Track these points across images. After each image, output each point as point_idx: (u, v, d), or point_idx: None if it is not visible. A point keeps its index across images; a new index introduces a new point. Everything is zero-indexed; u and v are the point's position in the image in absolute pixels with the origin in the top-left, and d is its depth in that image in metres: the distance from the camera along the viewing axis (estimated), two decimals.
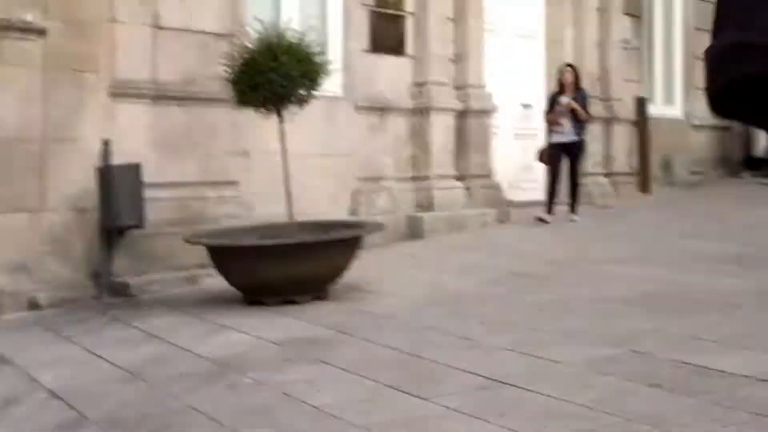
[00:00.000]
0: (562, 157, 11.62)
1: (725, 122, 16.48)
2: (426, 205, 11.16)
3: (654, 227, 11.09)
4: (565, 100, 11.59)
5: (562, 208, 11.58)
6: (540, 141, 12.52)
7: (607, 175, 13.86)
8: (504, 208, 11.95)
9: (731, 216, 11.38)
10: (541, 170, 12.58)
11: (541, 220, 11.32)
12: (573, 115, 11.58)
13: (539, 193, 12.96)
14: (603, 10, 13.98)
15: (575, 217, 11.61)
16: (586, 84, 13.32)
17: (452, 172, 11.61)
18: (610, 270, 8.04)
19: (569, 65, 12.19)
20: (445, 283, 7.83)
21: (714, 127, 16.15)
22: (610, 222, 11.68)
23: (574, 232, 10.85)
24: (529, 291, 7.26)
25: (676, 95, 16.07)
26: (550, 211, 11.41)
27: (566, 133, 11.59)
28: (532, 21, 13.47)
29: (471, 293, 7.33)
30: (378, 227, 8.00)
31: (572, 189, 11.74)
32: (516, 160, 12.83)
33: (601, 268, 8.21)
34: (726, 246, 9.03)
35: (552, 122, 11.65)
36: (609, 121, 13.90)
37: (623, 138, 14.14)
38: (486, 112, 11.99)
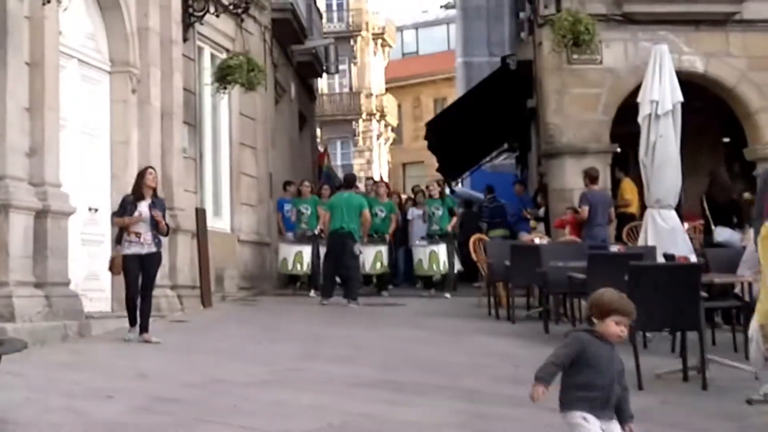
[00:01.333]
0: (139, 268, 10.64)
1: (266, 238, 16.54)
2: (6, 315, 9.63)
3: (254, 344, 10.58)
4: (144, 208, 10.61)
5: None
6: (107, 248, 11.54)
7: (173, 287, 13.11)
8: (84, 321, 10.76)
9: (329, 335, 11.25)
10: (109, 280, 11.65)
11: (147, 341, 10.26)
12: (154, 224, 10.68)
13: (106, 304, 11.92)
14: (166, 115, 13.39)
15: (130, 336, 10.51)
16: None
17: (32, 278, 10.21)
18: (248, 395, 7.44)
19: (152, 168, 11.27)
20: (89, 410, 6.67)
21: (257, 243, 16.15)
22: (201, 338, 10.96)
23: (182, 348, 9.98)
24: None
25: (224, 208, 15.83)
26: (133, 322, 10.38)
27: (145, 244, 10.63)
28: (99, 118, 12.50)
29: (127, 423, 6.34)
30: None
31: (145, 305, 10.74)
32: (83, 267, 11.66)
33: (246, 392, 7.56)
34: (363, 369, 8.76)
35: (127, 230, 10.60)
36: (174, 232, 13.18)
37: (186, 249, 13.52)
38: (65, 214, 10.76)
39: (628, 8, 15.82)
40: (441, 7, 60.33)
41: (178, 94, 13.63)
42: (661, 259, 10.59)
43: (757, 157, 15.78)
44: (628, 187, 16.09)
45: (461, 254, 16.45)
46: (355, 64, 39.96)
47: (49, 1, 10.22)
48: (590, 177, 14.38)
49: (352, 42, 39.79)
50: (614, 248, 10.90)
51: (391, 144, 47.47)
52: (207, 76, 15.54)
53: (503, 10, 31.74)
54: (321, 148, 27.69)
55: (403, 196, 21.42)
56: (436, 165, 26.74)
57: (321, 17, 27.27)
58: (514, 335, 11.20)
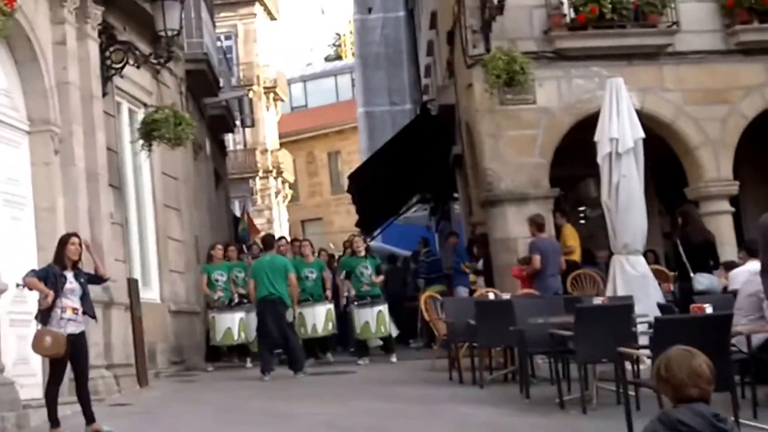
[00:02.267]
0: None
1: (196, 307, 15.48)
2: None
3: (216, 428, 9.55)
4: (73, 279, 9.41)
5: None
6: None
7: (108, 366, 11.95)
8: (21, 411, 9.62)
9: (294, 413, 10.25)
10: (39, 363, 10.46)
11: None
12: (83, 297, 9.47)
13: (38, 391, 10.69)
14: (91, 178, 12.29)
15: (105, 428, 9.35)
16: (82, 261, 11.56)
17: None
18: None
19: (76, 235, 10.06)
20: None
21: (187, 313, 15.09)
22: (153, 424, 9.88)
23: None
24: None
25: (152, 277, 14.71)
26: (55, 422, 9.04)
27: (80, 322, 9.32)
28: (20, 183, 11.37)
29: None
30: None
31: (85, 392, 9.52)
32: (12, 351, 10.44)
33: None
34: None
35: (56, 305, 9.31)
36: (108, 306, 12.07)
37: (121, 324, 12.39)
38: None
39: (560, 44, 15.36)
40: (325, 59, 60.33)
41: (102, 153, 12.58)
42: (644, 311, 10.04)
43: (700, 196, 15.45)
44: (570, 233, 15.53)
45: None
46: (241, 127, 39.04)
47: None
48: (537, 225, 13.85)
49: (237, 99, 38.89)
50: (597, 300, 10.24)
51: (289, 201, 46.46)
52: (126, 133, 14.49)
53: (401, 57, 31.46)
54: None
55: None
56: (343, 220, 26.18)
57: (232, 67, 26.31)
58: (489, 402, 10.31)
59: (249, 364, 15.10)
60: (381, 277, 15.26)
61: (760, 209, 16.97)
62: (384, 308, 14.92)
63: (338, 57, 58.93)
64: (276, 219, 42.68)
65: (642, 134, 11.70)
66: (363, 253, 15.28)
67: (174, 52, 14.57)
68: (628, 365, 9.73)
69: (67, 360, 9.08)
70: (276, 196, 43.69)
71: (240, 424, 9.58)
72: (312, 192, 49.46)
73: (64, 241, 9.48)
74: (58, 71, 11.79)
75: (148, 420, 10.14)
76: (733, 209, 15.17)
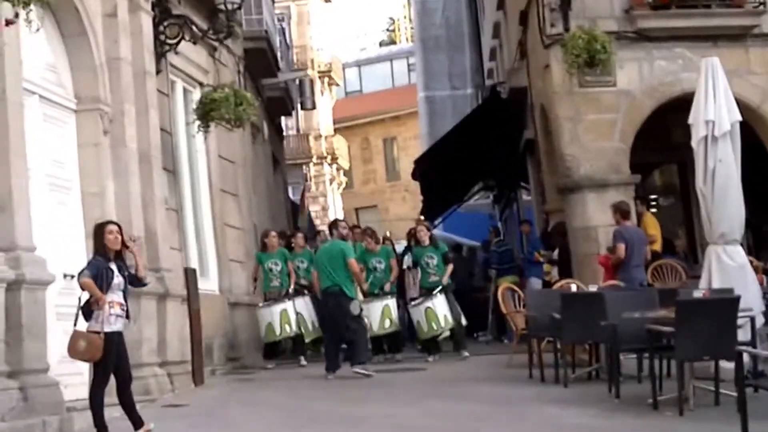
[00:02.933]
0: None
1: (258, 299, 14.63)
2: None
3: None
4: (116, 273, 8.38)
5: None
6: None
7: (162, 364, 11.15)
8: (65, 414, 8.83)
9: (363, 414, 9.39)
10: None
11: None
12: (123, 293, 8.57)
13: (84, 390, 9.85)
14: (143, 160, 11.47)
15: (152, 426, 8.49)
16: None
17: (3, 367, 8.26)
18: None
19: (113, 223, 9.13)
20: None
21: (249, 305, 14.25)
22: (211, 429, 9.05)
23: None
24: None
25: (210, 266, 13.90)
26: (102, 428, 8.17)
27: (124, 318, 8.38)
28: (67, 166, 10.59)
29: None
30: None
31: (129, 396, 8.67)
32: (58, 347, 9.58)
33: None
34: None
35: (104, 300, 8.33)
36: (162, 298, 11.25)
37: (177, 318, 11.56)
38: (42, 284, 8.88)
39: (642, 24, 14.33)
40: (380, 44, 59.42)
41: (155, 134, 11.78)
42: (745, 305, 9.03)
43: None
44: (650, 221, 14.54)
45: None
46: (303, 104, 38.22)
47: (13, 22, 8.31)
48: (622, 212, 12.83)
49: (297, 81, 38.16)
50: (699, 293, 9.24)
51: (344, 188, 45.65)
52: (181, 113, 13.68)
53: (463, 41, 30.49)
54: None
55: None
56: (398, 208, 25.26)
57: (289, 49, 25.43)
58: (577, 402, 9.42)
59: (303, 362, 14.08)
60: (449, 268, 14.16)
61: None
62: (434, 303, 13.70)
63: (392, 42, 58.01)
64: (330, 206, 41.88)
65: (739, 117, 10.64)
66: (427, 243, 14.22)
67: (233, 28, 13.70)
68: (726, 364, 8.83)
69: (113, 359, 8.22)
70: (330, 183, 42.90)
71: (305, 428, 8.71)
72: (366, 179, 48.60)
73: (100, 231, 8.52)
74: (108, 45, 11.01)
75: (204, 423, 9.32)
76: None
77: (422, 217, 21.52)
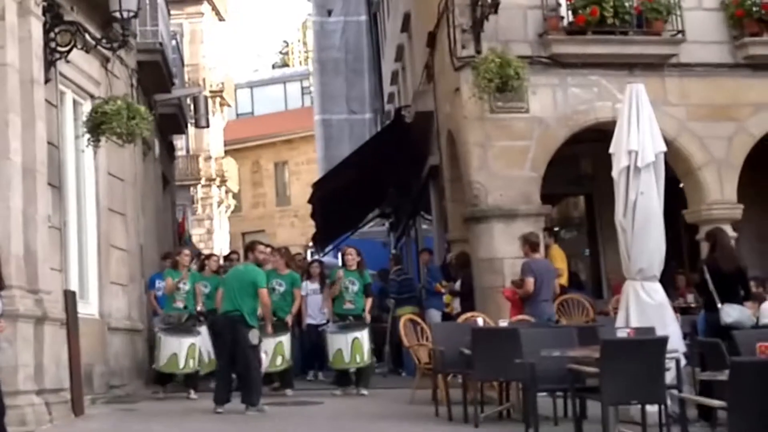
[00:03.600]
0: None
1: (138, 324, 13.78)
2: None
3: None
4: None
5: None
6: None
7: (39, 392, 10.24)
8: None
9: None
10: None
11: None
12: None
13: None
14: (28, 175, 10.56)
15: None
16: (12, 269, 9.99)
17: None
18: None
19: None
20: None
21: (129, 330, 13.35)
22: None
23: None
24: None
25: (90, 289, 12.97)
26: None
27: None
28: None
29: None
30: None
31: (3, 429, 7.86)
32: None
33: None
34: None
35: None
36: (41, 321, 10.34)
37: (55, 343, 10.65)
38: None
39: (556, 49, 14.02)
40: (273, 67, 58.72)
41: (41, 147, 10.83)
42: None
43: (701, 220, 14.19)
44: (558, 254, 14.25)
45: None
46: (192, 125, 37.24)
47: None
48: (531, 244, 12.49)
49: (189, 99, 37.16)
50: (623, 332, 8.84)
51: (232, 212, 44.58)
52: (70, 126, 12.78)
53: (363, 64, 30.05)
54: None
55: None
56: (287, 234, 24.52)
57: (183, 65, 24.51)
58: None
59: (193, 395, 13.05)
60: (369, 301, 13.46)
61: (756, 234, 15.99)
62: (361, 335, 13.00)
63: (285, 65, 57.37)
64: (216, 229, 40.82)
65: (664, 147, 10.33)
66: (354, 267, 13.42)
67: (128, 38, 12.86)
68: (650, 407, 8.46)
69: None
70: (218, 206, 41.83)
71: None
72: (256, 203, 47.65)
73: None
74: None
75: None
76: (736, 234, 13.84)
77: (311, 244, 20.93)
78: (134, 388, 13.59)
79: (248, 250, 12.14)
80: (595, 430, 8.29)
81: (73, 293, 11.61)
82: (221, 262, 15.85)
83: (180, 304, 13.37)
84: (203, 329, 13.23)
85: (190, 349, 12.97)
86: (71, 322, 11.12)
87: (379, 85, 28.45)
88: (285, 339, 13.10)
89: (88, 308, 12.75)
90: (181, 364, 12.94)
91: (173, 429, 10.20)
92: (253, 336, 11.35)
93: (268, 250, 13.26)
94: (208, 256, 15.15)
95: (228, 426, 10.42)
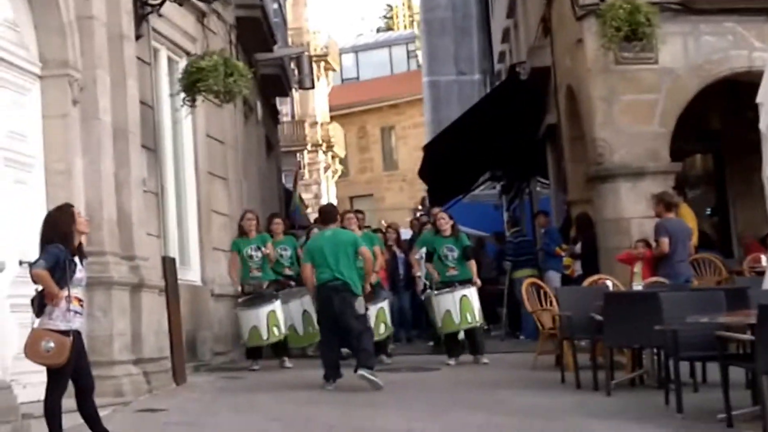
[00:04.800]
0: None
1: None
2: None
3: None
4: (80, 267, 7.00)
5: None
6: None
7: (137, 362, 9.71)
8: (20, 422, 7.50)
9: (381, 428, 7.87)
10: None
11: None
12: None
13: None
14: (119, 135, 9.98)
15: None
16: (105, 234, 9.37)
17: None
18: None
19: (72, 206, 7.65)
20: None
21: (234, 296, 12.73)
22: None
23: None
24: None
25: (191, 255, 12.41)
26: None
27: (83, 315, 7.05)
28: (29, 141, 9.13)
29: None
30: None
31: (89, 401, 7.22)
32: (13, 343, 8.20)
33: None
34: None
35: (57, 299, 6.69)
36: (137, 289, 9.82)
37: (153, 311, 10.13)
38: None
39: None
40: (376, 31, 57.96)
41: (133, 107, 10.27)
42: None
43: None
44: (687, 213, 13.17)
45: None
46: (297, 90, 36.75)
47: None
48: (665, 203, 11.48)
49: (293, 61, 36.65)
50: None
51: (339, 177, 44.17)
52: (165, 85, 12.18)
53: (471, 23, 29.07)
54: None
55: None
56: (395, 197, 23.74)
57: (285, 26, 23.83)
58: (630, 416, 7.91)
59: (288, 363, 12.26)
60: (473, 265, 12.41)
61: None
62: (470, 293, 12.02)
63: (389, 29, 56.51)
64: (324, 195, 40.40)
65: None
66: (448, 233, 12.43)
67: None
68: None
69: (72, 363, 6.78)
70: (325, 171, 41.38)
71: None
72: (363, 168, 47.13)
73: (64, 214, 7.06)
74: (79, 3, 9.52)
75: None
76: None
77: (420, 207, 20.13)
78: (239, 355, 12.99)
79: (330, 215, 11.04)
80: (740, 397, 7.52)
81: (173, 259, 11.07)
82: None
83: (257, 273, 12.42)
84: (298, 300, 12.38)
85: (270, 318, 11.98)
86: (171, 289, 10.59)
87: (489, 44, 27.45)
88: (385, 305, 12.34)
89: (189, 275, 12.26)
90: (264, 335, 11.96)
91: (281, 401, 9.48)
92: (360, 305, 10.31)
93: (350, 215, 12.67)
94: (271, 218, 13.87)
95: (341, 396, 9.64)
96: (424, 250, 12.92)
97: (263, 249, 12.36)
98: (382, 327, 12.24)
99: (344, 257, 10.31)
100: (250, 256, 12.34)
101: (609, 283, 10.71)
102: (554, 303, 10.97)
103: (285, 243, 13.14)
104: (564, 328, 10.06)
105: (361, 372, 9.95)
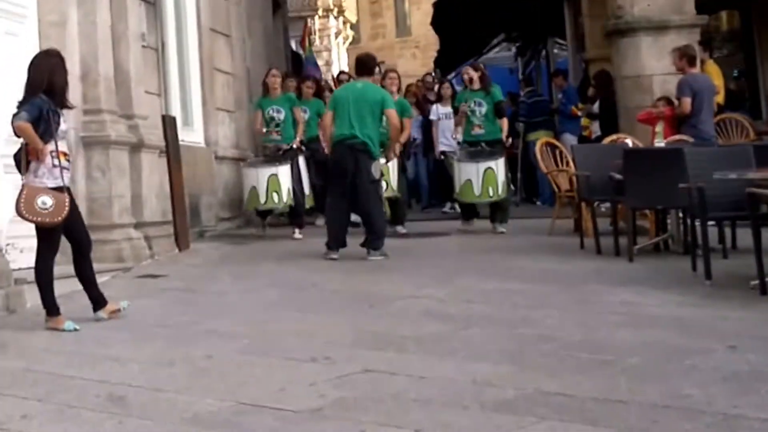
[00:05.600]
0: None
1: (248, 153, 12.65)
2: None
3: (285, 313, 6.85)
4: (64, 118, 6.60)
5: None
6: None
7: (137, 226, 9.37)
8: (13, 287, 7.18)
9: (388, 294, 7.55)
10: None
11: None
12: None
13: None
14: None
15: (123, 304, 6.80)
16: (101, 91, 8.99)
17: None
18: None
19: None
20: None
21: (239, 159, 12.32)
22: (196, 306, 7.24)
23: (175, 329, 6.19)
24: None
25: (194, 116, 11.95)
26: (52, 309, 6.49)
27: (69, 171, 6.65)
28: None
29: None
30: None
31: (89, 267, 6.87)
32: (6, 205, 7.84)
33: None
34: (487, 367, 5.16)
35: (42, 153, 6.35)
36: (136, 149, 9.43)
37: (154, 173, 9.77)
38: None
39: None
40: None
41: None
42: None
43: None
44: (713, 70, 12.64)
45: None
46: None
47: None
48: (689, 58, 10.78)
49: None
50: None
51: (350, 43, 43.14)
52: None
53: None
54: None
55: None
56: (407, 64, 23.00)
57: None
58: (653, 283, 7.49)
59: (298, 234, 11.32)
60: (504, 123, 11.55)
61: None
62: (496, 164, 11.12)
63: None
64: (335, 61, 39.47)
65: None
66: (477, 86, 11.47)
67: None
68: None
69: (62, 224, 6.43)
70: (336, 38, 40.33)
71: (312, 313, 6.86)
72: (375, 34, 45.94)
73: (51, 61, 6.63)
74: None
75: (185, 300, 7.56)
76: None
77: (432, 74, 19.46)
78: (245, 221, 12.64)
79: (366, 66, 10.04)
80: None
81: (173, 118, 10.64)
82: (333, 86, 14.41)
83: (276, 136, 11.61)
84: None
85: (271, 182, 11.18)
86: (172, 149, 10.19)
87: None
88: (391, 165, 11.17)
89: (192, 135, 11.82)
90: (262, 199, 11.22)
91: (286, 267, 9.17)
92: (376, 169, 9.54)
93: (393, 74, 11.73)
94: (303, 80, 12.99)
95: (348, 263, 9.26)
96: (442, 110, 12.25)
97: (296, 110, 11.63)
98: (384, 185, 10.79)
99: (369, 115, 9.50)
100: (272, 118, 11.53)
101: (629, 141, 10.18)
102: (571, 164, 10.54)
103: (308, 105, 12.25)
104: (582, 190, 9.63)
105: (371, 257, 9.35)
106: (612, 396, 4.31)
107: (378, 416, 4.08)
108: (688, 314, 6.32)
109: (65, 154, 6.45)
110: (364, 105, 9.45)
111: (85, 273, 6.66)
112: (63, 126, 6.46)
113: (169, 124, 10.29)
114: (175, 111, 11.23)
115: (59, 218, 6.31)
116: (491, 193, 11.12)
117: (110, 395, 4.50)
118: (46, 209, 6.28)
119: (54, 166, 6.32)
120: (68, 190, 6.45)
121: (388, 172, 11.17)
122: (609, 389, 4.42)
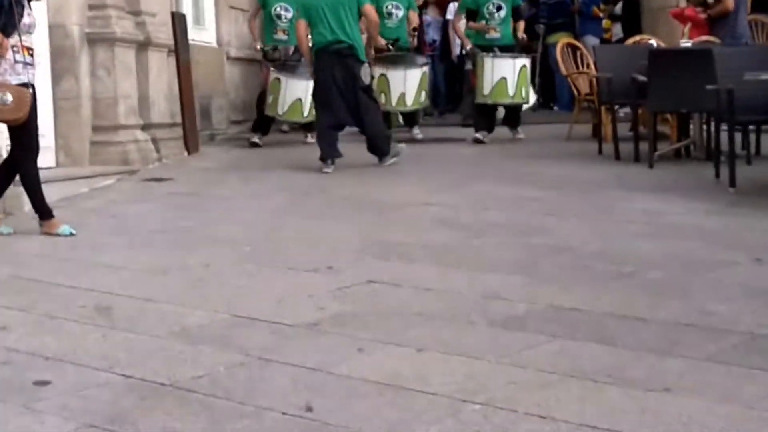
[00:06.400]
0: None
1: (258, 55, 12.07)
2: None
3: (296, 221, 6.60)
4: (28, 10, 6.09)
5: None
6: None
7: (145, 127, 9.10)
8: (11, 189, 6.81)
9: (400, 200, 7.30)
10: (52, 118, 8.35)
11: None
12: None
13: (50, 157, 8.18)
14: None
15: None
16: None
17: None
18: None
19: None
20: None
21: (252, 61, 11.90)
22: (202, 212, 7.00)
23: (174, 241, 5.95)
24: None
25: (206, 14, 11.55)
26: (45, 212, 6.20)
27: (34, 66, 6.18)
28: None
29: None
30: None
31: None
32: None
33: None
34: (499, 278, 4.91)
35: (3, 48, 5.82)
36: (143, 47, 9.10)
37: (162, 73, 9.45)
38: None
39: None
40: None
41: None
42: None
43: None
44: None
45: None
46: None
47: None
48: None
49: None
50: None
51: None
52: None
53: None
54: None
55: None
56: None
57: None
58: (674, 190, 7.22)
59: (310, 139, 10.75)
60: (521, 25, 10.82)
61: None
62: (528, 63, 10.59)
63: None
64: None
65: None
66: None
67: None
68: None
69: (37, 120, 6.09)
70: None
71: (318, 218, 6.62)
72: None
73: None
74: None
75: (187, 205, 7.32)
76: None
77: None
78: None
79: None
80: None
81: (183, 16, 10.25)
82: None
83: (282, 36, 10.84)
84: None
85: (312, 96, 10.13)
86: (181, 48, 9.82)
87: None
88: (428, 69, 10.92)
89: (203, 35, 11.44)
90: (305, 112, 10.35)
91: (296, 172, 8.85)
92: (365, 74, 8.85)
93: None
94: None
95: (359, 169, 8.90)
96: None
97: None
98: (423, 95, 10.84)
99: (349, 15, 8.69)
100: (278, 15, 10.76)
101: (653, 42, 9.77)
102: (592, 66, 10.14)
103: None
104: (603, 92, 9.28)
105: (380, 163, 8.84)
106: (630, 312, 4.05)
107: (377, 333, 3.84)
108: (711, 224, 6.05)
109: (29, 49, 6.03)
110: (338, 6, 8.66)
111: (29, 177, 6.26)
112: (27, 19, 6.00)
113: (178, 21, 9.88)
114: (186, 8, 10.83)
115: (20, 115, 5.91)
116: (524, 94, 10.57)
117: (97, 305, 4.28)
118: (5, 105, 5.90)
119: (16, 62, 5.89)
120: (33, 87, 6.06)
121: (427, 79, 10.80)
122: (627, 305, 4.16)
